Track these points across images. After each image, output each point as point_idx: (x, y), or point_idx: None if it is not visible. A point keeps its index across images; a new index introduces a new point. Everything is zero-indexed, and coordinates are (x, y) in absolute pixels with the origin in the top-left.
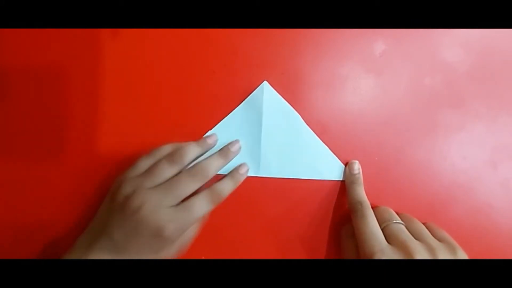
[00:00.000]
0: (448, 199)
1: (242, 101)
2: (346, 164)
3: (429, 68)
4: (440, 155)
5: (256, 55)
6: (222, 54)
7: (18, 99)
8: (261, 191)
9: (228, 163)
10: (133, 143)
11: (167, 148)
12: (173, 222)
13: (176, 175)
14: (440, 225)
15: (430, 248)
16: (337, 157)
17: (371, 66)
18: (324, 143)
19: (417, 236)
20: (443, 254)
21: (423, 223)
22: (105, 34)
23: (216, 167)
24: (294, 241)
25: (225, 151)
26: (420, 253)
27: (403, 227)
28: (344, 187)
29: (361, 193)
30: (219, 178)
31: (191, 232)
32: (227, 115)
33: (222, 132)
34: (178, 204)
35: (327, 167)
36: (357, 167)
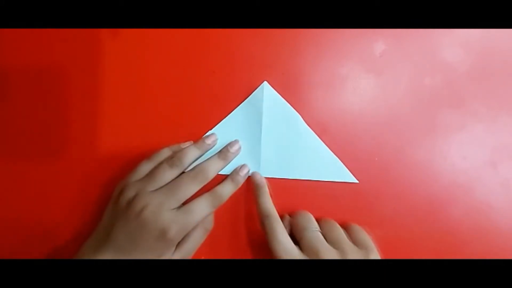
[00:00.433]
0: (448, 199)
1: (242, 101)
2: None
3: (429, 68)
4: (440, 155)
5: (256, 55)
6: (222, 54)
7: (18, 99)
8: None
9: (228, 164)
10: (133, 143)
11: (167, 152)
12: (175, 224)
13: (177, 177)
14: (440, 225)
15: (341, 249)
16: (337, 157)
17: (371, 66)
18: (324, 143)
19: (333, 242)
20: (353, 257)
21: (347, 225)
22: (105, 34)
23: (216, 168)
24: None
25: (224, 153)
26: (327, 254)
27: (319, 234)
28: (344, 188)
29: (267, 205)
30: (220, 178)
31: (198, 238)
32: (227, 115)
33: (222, 132)
34: (179, 207)
35: (327, 168)
36: (258, 177)
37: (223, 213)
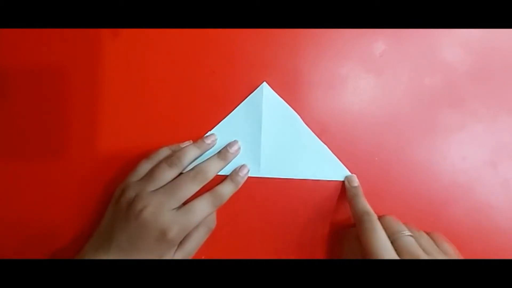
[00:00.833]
0: (448, 199)
1: (242, 101)
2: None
3: (429, 68)
4: (440, 155)
5: (256, 55)
6: (222, 54)
7: (18, 99)
8: (261, 191)
9: (227, 164)
10: (133, 143)
11: (166, 151)
12: (176, 224)
13: (177, 177)
14: (440, 225)
15: None
16: (337, 157)
17: (371, 66)
18: (324, 143)
19: (425, 250)
20: None
21: (428, 233)
22: (105, 34)
23: (215, 168)
24: (293, 241)
25: (224, 153)
26: None
27: (413, 240)
28: (344, 187)
29: (365, 204)
30: (220, 179)
31: (200, 238)
32: (226, 116)
33: (221, 133)
34: (179, 207)
35: (326, 167)
36: (355, 179)
37: (223, 213)
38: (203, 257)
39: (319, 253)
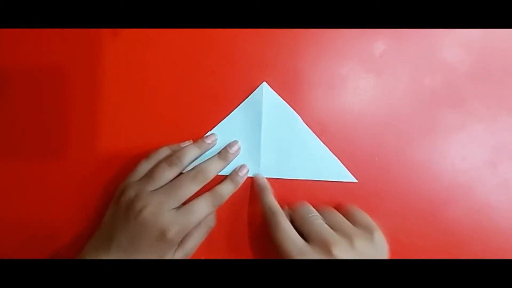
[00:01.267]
0: (448, 199)
1: (242, 101)
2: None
3: (429, 68)
4: (440, 155)
5: (256, 55)
6: (222, 54)
7: (18, 99)
8: None
9: (227, 164)
10: (133, 143)
11: (165, 150)
12: (176, 224)
13: (177, 177)
14: (440, 225)
15: (346, 236)
16: (337, 157)
17: (371, 66)
18: (324, 143)
19: (337, 229)
20: (359, 240)
21: (344, 208)
22: (105, 34)
23: (215, 169)
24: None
25: (224, 153)
26: (337, 243)
27: (323, 224)
28: (344, 187)
29: (272, 202)
30: (219, 179)
31: (200, 237)
32: (226, 116)
33: (222, 133)
34: (179, 207)
35: (326, 168)
36: (261, 179)
37: (223, 213)
38: (202, 257)
39: None
